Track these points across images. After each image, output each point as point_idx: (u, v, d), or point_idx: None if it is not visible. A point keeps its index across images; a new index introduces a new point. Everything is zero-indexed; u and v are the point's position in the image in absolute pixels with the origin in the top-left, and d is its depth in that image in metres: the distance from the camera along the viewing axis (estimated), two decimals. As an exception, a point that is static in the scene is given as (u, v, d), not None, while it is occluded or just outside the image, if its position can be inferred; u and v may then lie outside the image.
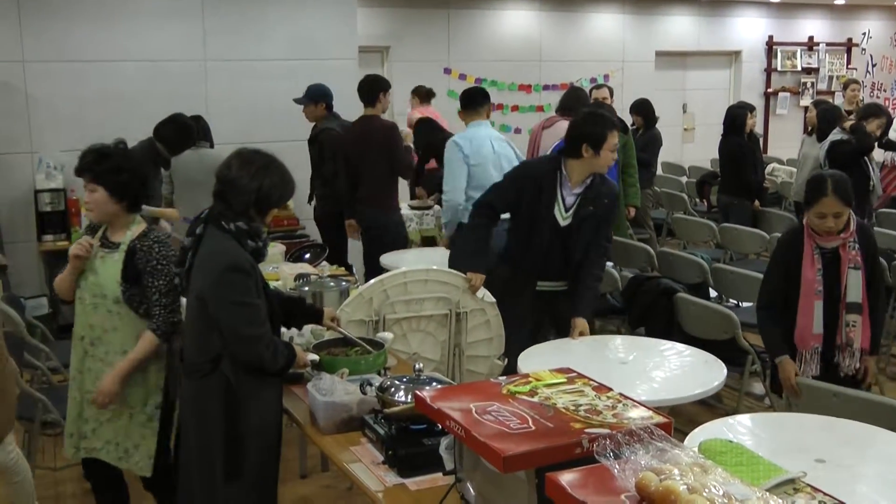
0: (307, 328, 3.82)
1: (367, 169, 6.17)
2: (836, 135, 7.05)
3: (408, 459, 2.69)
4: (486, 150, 5.53)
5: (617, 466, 1.81)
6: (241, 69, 6.91)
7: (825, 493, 1.82)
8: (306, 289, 4.23)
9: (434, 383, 2.93)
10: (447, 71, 10.93)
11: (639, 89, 10.71)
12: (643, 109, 8.66)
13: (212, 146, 6.35)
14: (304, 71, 7.02)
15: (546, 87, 11.62)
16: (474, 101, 5.70)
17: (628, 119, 8.46)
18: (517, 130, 11.25)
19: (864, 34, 14.39)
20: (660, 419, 2.12)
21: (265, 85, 6.97)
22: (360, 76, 6.46)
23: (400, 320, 4.11)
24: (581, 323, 4.19)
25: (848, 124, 7.11)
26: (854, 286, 3.86)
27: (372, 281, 4.08)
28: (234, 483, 3.07)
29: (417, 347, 4.20)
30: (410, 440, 2.73)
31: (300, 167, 6.44)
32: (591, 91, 7.85)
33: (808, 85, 13.91)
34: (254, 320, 3.03)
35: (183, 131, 5.88)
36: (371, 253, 6.32)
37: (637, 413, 2.16)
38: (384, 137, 6.11)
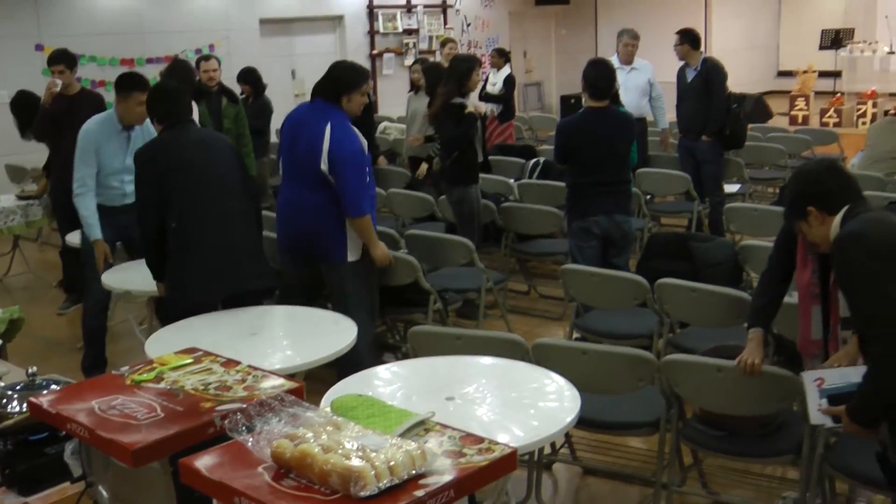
0: None
1: None
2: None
3: (29, 474, 2.47)
4: None
5: (251, 439, 1.78)
6: None
7: (454, 428, 1.92)
8: None
9: (52, 385, 2.70)
10: (39, 48, 10.06)
11: (247, 58, 10.57)
12: (251, 77, 8.58)
13: None
14: None
15: (150, 61, 11.07)
16: None
17: (237, 89, 8.35)
18: (123, 108, 10.62)
19: (458, -3, 15.37)
20: (291, 385, 2.12)
21: None
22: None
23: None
24: None
25: None
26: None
27: None
28: None
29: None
30: (30, 452, 2.51)
31: None
32: (198, 63, 7.64)
33: (411, 45, 14.59)
34: None
35: None
36: None
37: (269, 383, 2.15)
38: None
